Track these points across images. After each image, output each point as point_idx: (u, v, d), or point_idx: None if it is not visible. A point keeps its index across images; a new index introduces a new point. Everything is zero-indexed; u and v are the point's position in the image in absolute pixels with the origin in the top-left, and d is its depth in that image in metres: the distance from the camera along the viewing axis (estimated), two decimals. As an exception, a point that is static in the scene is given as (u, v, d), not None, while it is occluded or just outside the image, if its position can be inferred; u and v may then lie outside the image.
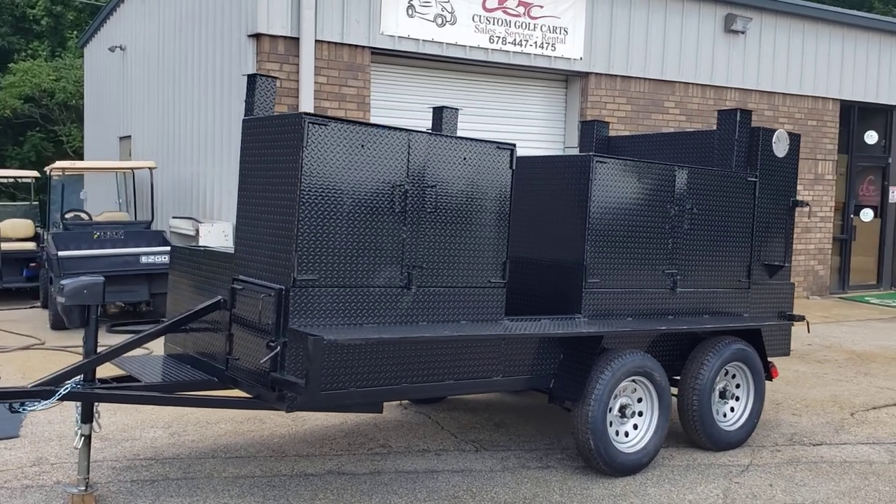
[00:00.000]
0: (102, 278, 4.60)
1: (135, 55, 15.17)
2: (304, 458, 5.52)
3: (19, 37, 27.00)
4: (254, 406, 4.67)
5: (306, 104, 9.63)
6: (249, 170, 4.75)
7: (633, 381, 5.37)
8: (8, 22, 27.12)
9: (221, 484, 5.02)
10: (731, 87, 13.06)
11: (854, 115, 15.03)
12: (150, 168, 11.12)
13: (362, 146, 4.47)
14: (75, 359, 8.47)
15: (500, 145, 4.97)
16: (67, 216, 10.99)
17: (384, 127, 4.57)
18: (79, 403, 4.54)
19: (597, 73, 11.75)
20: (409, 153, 4.63)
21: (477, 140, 4.90)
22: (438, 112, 5.77)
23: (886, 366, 9.08)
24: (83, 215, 11.62)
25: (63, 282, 4.54)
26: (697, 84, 12.72)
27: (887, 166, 15.67)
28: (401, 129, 4.63)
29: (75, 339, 9.37)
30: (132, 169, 11.99)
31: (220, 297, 4.91)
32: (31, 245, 12.38)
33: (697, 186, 5.87)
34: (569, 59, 11.45)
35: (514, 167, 5.02)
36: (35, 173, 13.70)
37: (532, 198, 5.70)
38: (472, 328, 4.73)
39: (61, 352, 8.76)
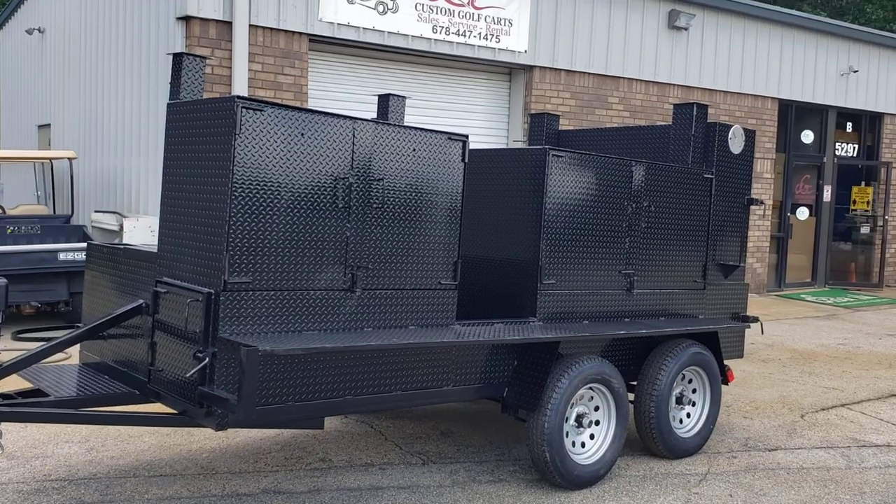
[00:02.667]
0: (5, 280, 4.07)
1: (54, 38, 14.31)
2: (237, 476, 5.06)
3: (-70, 18, 25.49)
4: (178, 423, 4.20)
5: (239, 92, 9.10)
6: (175, 159, 4.28)
7: (591, 388, 5.07)
8: (-83, 2, 25.57)
9: (143, 507, 4.54)
10: (674, 84, 12.97)
11: (791, 114, 15.15)
12: (69, 158, 10.40)
13: (302, 134, 4.05)
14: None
15: (451, 136, 4.60)
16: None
17: (326, 114, 4.15)
18: (-23, 422, 4.00)
19: (541, 67, 11.49)
20: (353, 143, 4.22)
21: (427, 130, 4.52)
22: (384, 100, 5.36)
23: (829, 365, 9.05)
24: (-5, 208, 10.82)
25: (-41, 284, 4.00)
26: (641, 80, 12.57)
27: (822, 165, 15.86)
28: (344, 117, 4.22)
29: (-17, 342, 8.66)
30: (50, 159, 11.22)
31: (141, 300, 4.42)
32: (-62, 240, 11.48)
33: (655, 183, 5.61)
34: (513, 51, 11.15)
35: (466, 160, 4.66)
36: (-57, 163, 12.75)
37: (482, 192, 5.35)
38: (423, 334, 4.35)
39: (-32, 356, 8.06)
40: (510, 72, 11.67)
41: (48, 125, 14.67)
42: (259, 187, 3.91)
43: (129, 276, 4.61)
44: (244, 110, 3.84)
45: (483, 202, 5.35)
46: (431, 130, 4.53)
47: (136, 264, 4.55)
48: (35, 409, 4.10)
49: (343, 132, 4.19)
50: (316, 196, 4.10)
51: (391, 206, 4.38)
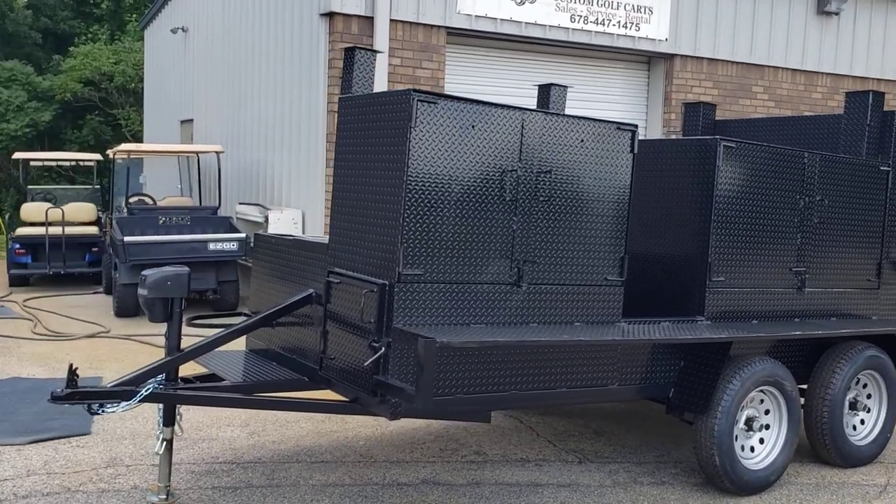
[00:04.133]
0: (187, 269, 4.22)
1: (198, 37, 14.91)
2: (395, 465, 5.10)
3: (80, 20, 27.12)
4: (352, 411, 4.25)
5: (380, 87, 9.19)
6: (346, 153, 4.32)
7: (762, 391, 4.83)
8: (69, 6, 27.27)
9: (309, 493, 4.62)
10: (822, 73, 12.28)
11: (951, 101, 14.08)
12: (217, 152, 10.80)
13: (472, 126, 4.00)
14: (141, 348, 8.23)
15: (620, 126, 4.46)
16: (131, 200, 10.73)
17: (496, 105, 4.09)
18: (161, 405, 4.17)
19: (682, 55, 11.10)
20: (522, 134, 4.15)
21: (596, 120, 4.40)
22: (545, 90, 5.26)
23: None
24: (147, 200, 11.38)
25: (145, 273, 4.16)
26: (788, 69, 11.96)
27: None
28: (514, 108, 4.15)
29: (140, 327, 9.12)
30: (197, 153, 11.69)
31: (311, 290, 4.50)
32: (93, 230, 12.18)
33: (828, 176, 5.29)
34: (653, 39, 10.82)
35: (635, 151, 4.50)
36: (98, 156, 13.51)
37: (644, 185, 5.17)
38: (594, 331, 4.24)
39: (127, 340, 8.51)
40: (649, 60, 11.33)
41: (191, 120, 15.31)
42: (432, 180, 3.89)
43: (298, 266, 4.69)
44: (419, 103, 3.82)
45: (645, 195, 5.17)
46: (600, 120, 4.41)
47: (306, 255, 4.63)
48: (215, 393, 4.24)
49: (512, 123, 4.12)
50: (484, 188, 4.05)
51: (558, 199, 4.28)
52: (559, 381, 4.31)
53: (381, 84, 9.29)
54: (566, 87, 5.34)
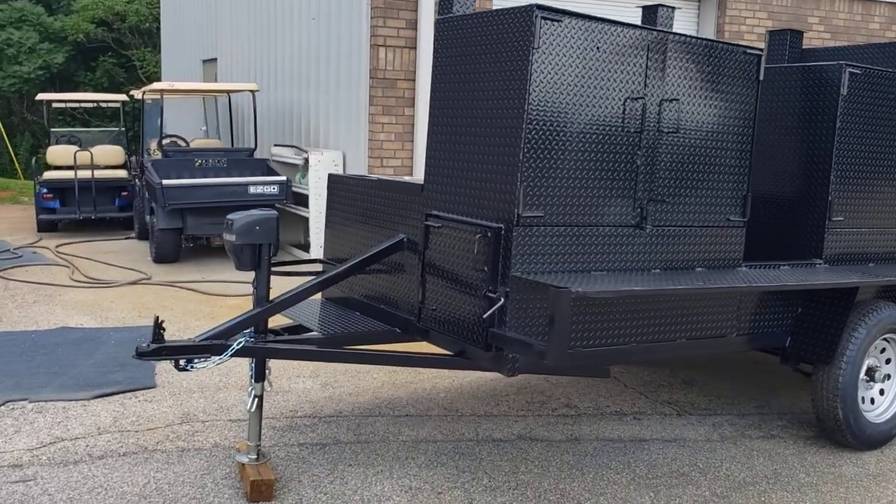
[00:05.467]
0: (276, 213, 3.86)
1: (220, -29, 14.27)
2: (485, 419, 4.80)
3: (90, -41, 26.29)
4: (460, 366, 3.91)
5: (428, 11, 8.66)
6: (446, 81, 3.90)
7: (885, 339, 4.49)
8: (78, -57, 26.41)
9: (403, 450, 4.32)
10: (881, 1, 11.66)
11: None
12: (252, 91, 10.33)
13: (597, 48, 3.58)
14: (188, 295, 7.92)
15: (747, 49, 4.03)
16: (165, 142, 10.31)
17: (624, 24, 3.67)
18: (252, 360, 3.84)
19: (738, -16, 10.51)
20: (647, 58, 3.73)
21: (723, 42, 3.97)
22: (651, 11, 4.77)
23: None
24: (180, 142, 10.96)
25: (231, 217, 3.80)
26: (845, -3, 11.36)
27: None
28: (642, 27, 3.73)
29: (181, 273, 8.81)
30: (230, 91, 11.20)
31: (402, 236, 4.13)
32: (122, 173, 11.78)
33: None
34: (709, -33, 10.23)
35: (761, 78, 4.08)
36: (123, 97, 13.02)
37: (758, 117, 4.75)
38: (729, 277, 3.88)
39: (171, 287, 8.19)
40: (702, -9, 10.75)
41: (214, 60, 14.76)
42: (553, 110, 3.49)
43: (384, 209, 4.32)
44: (543, 21, 3.40)
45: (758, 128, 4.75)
46: (728, 43, 3.97)
47: (394, 197, 4.25)
48: (310, 347, 3.91)
49: (638, 45, 3.69)
50: (608, 119, 3.65)
51: (684, 131, 3.88)
52: (680, 331, 3.96)
53: (428, 10, 8.77)
54: (674, 8, 4.86)
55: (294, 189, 9.57)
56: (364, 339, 4.17)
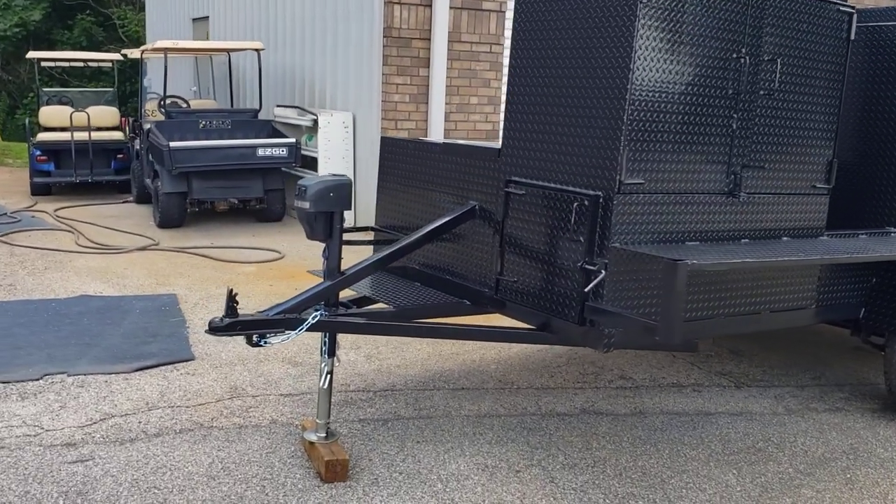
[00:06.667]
0: (349, 178, 3.63)
1: (212, -75, 13.75)
2: (543, 392, 4.65)
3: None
4: (545, 341, 3.73)
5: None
6: (530, 41, 3.68)
7: (960, 311, 4.40)
8: None
9: (469, 425, 4.17)
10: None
11: None
12: (256, 49, 9.96)
13: (701, 4, 3.38)
14: (201, 262, 7.66)
15: (841, 6, 3.85)
16: (167, 103, 9.92)
17: (723, -19, 3.46)
18: (325, 335, 3.64)
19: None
20: (746, 14, 3.53)
21: None
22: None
23: None
24: (181, 103, 10.57)
25: (303, 183, 3.56)
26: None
27: None
28: (740, -16, 3.53)
29: (188, 239, 8.53)
30: (230, 50, 10.80)
31: (474, 203, 3.93)
32: (118, 135, 11.38)
33: None
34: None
35: (853, 37, 3.91)
36: (118, 56, 12.53)
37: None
38: (823, 247, 3.74)
39: (181, 253, 7.92)
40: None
41: (206, 18, 14.29)
42: (655, 69, 3.29)
43: (451, 175, 4.11)
44: (649, -25, 3.19)
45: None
46: (820, 0, 3.79)
47: (463, 162, 4.04)
48: (386, 321, 3.72)
49: (740, 1, 3.50)
50: (706, 80, 3.46)
51: (778, 93, 3.70)
52: (763, 304, 3.83)
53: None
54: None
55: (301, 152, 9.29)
56: (434, 312, 3.99)
